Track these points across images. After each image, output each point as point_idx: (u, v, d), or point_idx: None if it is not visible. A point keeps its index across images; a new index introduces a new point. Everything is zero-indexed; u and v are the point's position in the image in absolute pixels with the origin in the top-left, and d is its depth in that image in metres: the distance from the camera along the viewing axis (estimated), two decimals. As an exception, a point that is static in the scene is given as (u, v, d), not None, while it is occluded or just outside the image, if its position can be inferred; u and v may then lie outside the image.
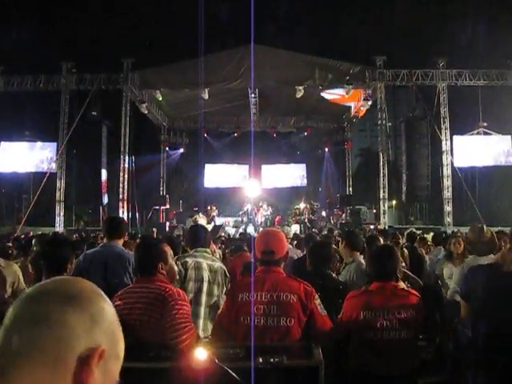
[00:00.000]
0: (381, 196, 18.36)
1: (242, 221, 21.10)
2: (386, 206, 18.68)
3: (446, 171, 18.28)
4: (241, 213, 21.64)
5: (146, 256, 2.95)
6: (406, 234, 7.70)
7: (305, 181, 24.72)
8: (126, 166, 18.57)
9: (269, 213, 21.27)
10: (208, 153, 24.43)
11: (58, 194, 18.64)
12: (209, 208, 20.81)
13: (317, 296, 2.93)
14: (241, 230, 18.97)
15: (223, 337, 2.94)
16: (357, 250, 4.44)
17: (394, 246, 3.76)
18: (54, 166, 18.34)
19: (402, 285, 3.80)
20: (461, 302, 2.97)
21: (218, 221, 21.13)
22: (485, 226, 4.36)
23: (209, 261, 3.91)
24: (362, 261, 4.28)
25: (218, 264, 3.99)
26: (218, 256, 5.04)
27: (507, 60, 18.01)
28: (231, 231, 19.16)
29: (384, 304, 3.04)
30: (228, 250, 7.74)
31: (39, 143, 18.79)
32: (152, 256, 2.91)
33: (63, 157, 18.67)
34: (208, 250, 4.09)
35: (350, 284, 3.88)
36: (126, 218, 18.48)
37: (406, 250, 6.31)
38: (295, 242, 8.11)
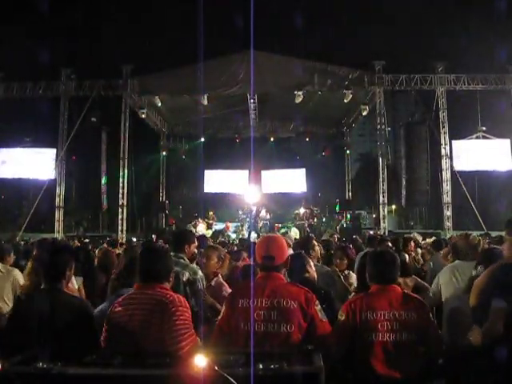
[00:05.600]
0: (380, 201, 18.36)
1: (242, 226, 21.09)
2: (386, 210, 18.67)
3: (446, 176, 18.28)
4: (241, 218, 21.63)
5: (148, 262, 2.94)
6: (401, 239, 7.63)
7: (304, 186, 24.68)
8: (126, 171, 18.56)
9: (268, 217, 21.27)
10: (207, 158, 24.42)
11: (57, 200, 18.62)
12: (210, 213, 20.81)
13: (317, 302, 2.92)
14: (241, 236, 18.98)
15: (223, 343, 2.93)
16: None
17: (392, 250, 3.78)
18: (53, 172, 18.33)
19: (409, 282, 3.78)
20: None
21: (217, 226, 21.15)
22: (473, 234, 4.49)
23: None
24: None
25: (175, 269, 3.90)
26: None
27: (505, 64, 18.06)
28: (232, 236, 19.17)
29: (384, 305, 3.04)
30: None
31: (39, 149, 18.77)
32: (155, 262, 2.91)
33: (63, 163, 18.66)
34: (179, 254, 4.11)
35: None
36: (125, 224, 18.47)
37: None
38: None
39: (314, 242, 5.50)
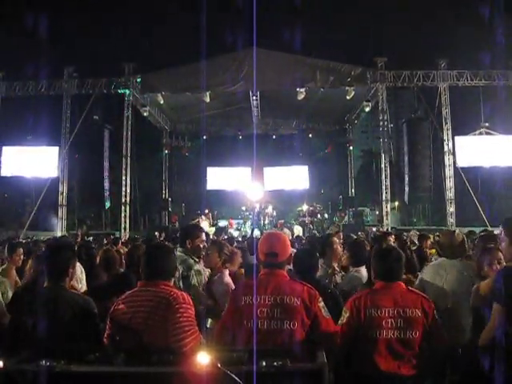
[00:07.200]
0: (383, 197, 18.33)
1: (245, 223, 21.10)
2: (389, 207, 18.64)
3: (449, 172, 18.22)
4: (244, 215, 21.63)
5: (151, 259, 2.94)
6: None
7: (307, 183, 24.66)
8: (128, 169, 18.57)
9: (275, 214, 21.30)
10: (210, 156, 24.43)
11: (60, 198, 18.64)
12: (206, 211, 20.82)
13: (320, 299, 2.91)
14: (244, 233, 18.99)
15: (226, 340, 2.93)
16: None
17: (397, 247, 3.75)
18: (56, 170, 18.35)
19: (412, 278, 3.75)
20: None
21: (221, 223, 21.16)
22: (456, 231, 4.45)
23: None
24: None
25: None
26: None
27: (508, 60, 17.97)
28: (235, 234, 19.17)
29: (389, 302, 3.03)
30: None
31: (41, 147, 18.79)
32: (159, 259, 2.91)
33: (65, 161, 18.68)
34: (181, 249, 4.21)
35: None
36: (128, 222, 18.46)
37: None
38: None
39: (334, 239, 5.22)
